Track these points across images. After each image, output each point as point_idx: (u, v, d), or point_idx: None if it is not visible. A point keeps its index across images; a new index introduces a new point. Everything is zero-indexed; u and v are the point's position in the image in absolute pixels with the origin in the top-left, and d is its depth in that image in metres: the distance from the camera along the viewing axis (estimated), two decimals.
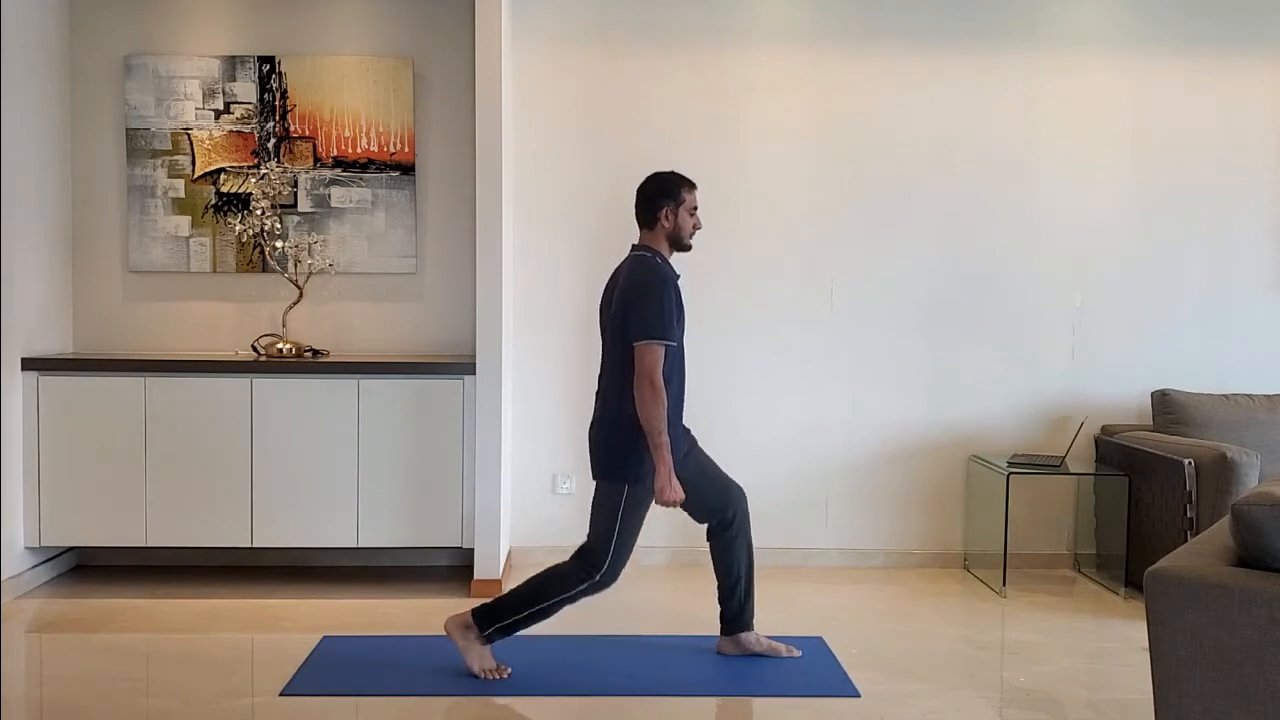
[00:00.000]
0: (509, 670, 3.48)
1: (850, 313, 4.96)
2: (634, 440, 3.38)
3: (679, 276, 3.55)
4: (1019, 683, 3.55)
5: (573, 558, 3.47)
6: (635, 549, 3.51)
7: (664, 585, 4.61)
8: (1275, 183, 5.02)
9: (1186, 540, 3.95)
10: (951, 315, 4.97)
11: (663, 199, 3.53)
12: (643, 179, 3.60)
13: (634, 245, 3.60)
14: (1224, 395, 4.79)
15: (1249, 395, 4.81)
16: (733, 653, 3.70)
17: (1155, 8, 4.94)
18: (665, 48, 4.88)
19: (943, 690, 3.44)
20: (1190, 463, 4.26)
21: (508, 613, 3.44)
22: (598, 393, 3.57)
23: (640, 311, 3.39)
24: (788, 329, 4.96)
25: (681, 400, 3.55)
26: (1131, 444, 4.66)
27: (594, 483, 3.52)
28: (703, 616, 3.92)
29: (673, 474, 3.37)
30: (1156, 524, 4.45)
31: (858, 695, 3.36)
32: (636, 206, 3.58)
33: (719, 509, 3.64)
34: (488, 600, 3.51)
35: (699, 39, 4.88)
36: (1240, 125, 4.99)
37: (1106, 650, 3.91)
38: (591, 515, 3.49)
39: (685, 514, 3.63)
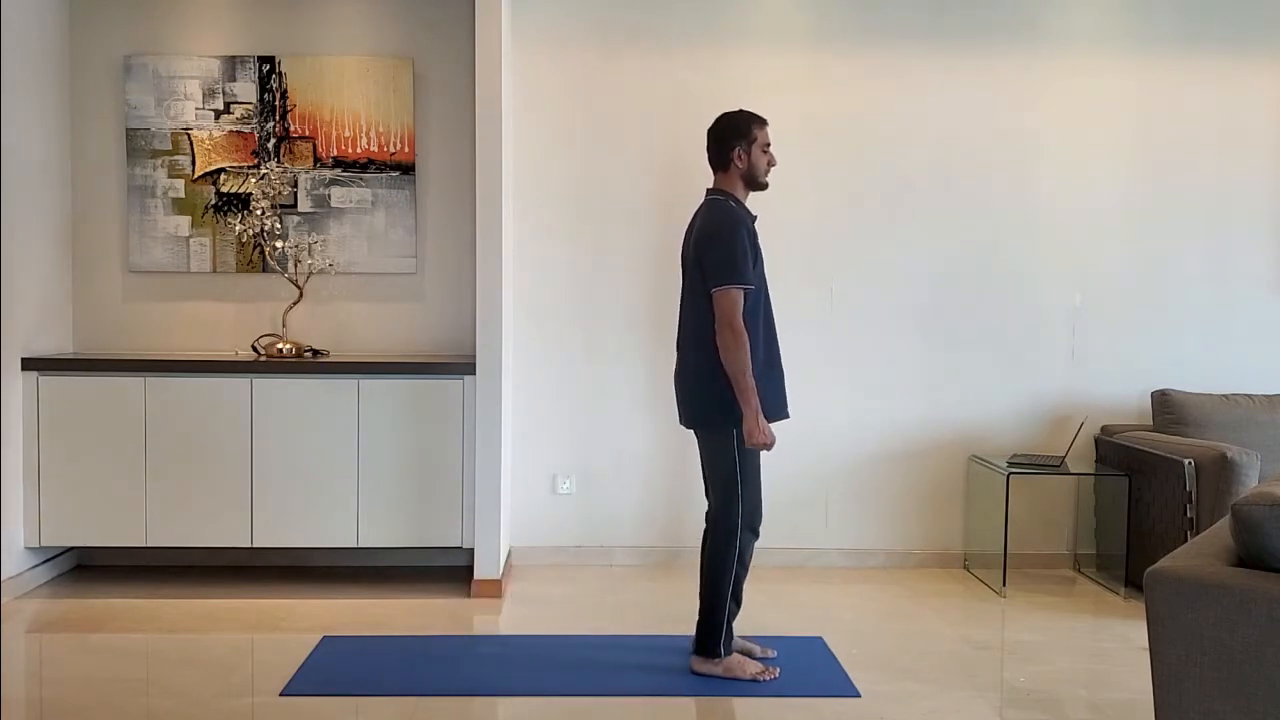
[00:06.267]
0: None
1: (850, 313, 4.96)
2: (729, 385, 3.34)
3: (755, 218, 3.51)
4: (1019, 683, 3.55)
5: (709, 528, 3.47)
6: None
7: (658, 585, 4.61)
8: (1275, 183, 5.02)
9: (1186, 540, 3.95)
10: (951, 315, 4.97)
11: (734, 139, 3.47)
12: (712, 120, 3.54)
13: (708, 189, 3.55)
14: (1224, 395, 4.79)
15: (1249, 395, 4.81)
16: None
17: (1155, 8, 4.94)
18: (665, 48, 4.88)
19: (943, 690, 3.44)
20: (1190, 463, 4.26)
21: (713, 626, 3.45)
22: (679, 341, 3.54)
23: (714, 258, 3.35)
24: (788, 329, 4.89)
25: (774, 342, 3.51)
26: (1131, 444, 4.66)
27: (694, 435, 3.51)
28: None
29: (760, 416, 3.31)
30: (1156, 524, 4.45)
31: (858, 695, 3.36)
32: (708, 149, 3.53)
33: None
34: (696, 633, 3.50)
35: (699, 39, 4.88)
36: (1240, 125, 4.99)
37: (1106, 650, 3.91)
38: (708, 470, 3.49)
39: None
